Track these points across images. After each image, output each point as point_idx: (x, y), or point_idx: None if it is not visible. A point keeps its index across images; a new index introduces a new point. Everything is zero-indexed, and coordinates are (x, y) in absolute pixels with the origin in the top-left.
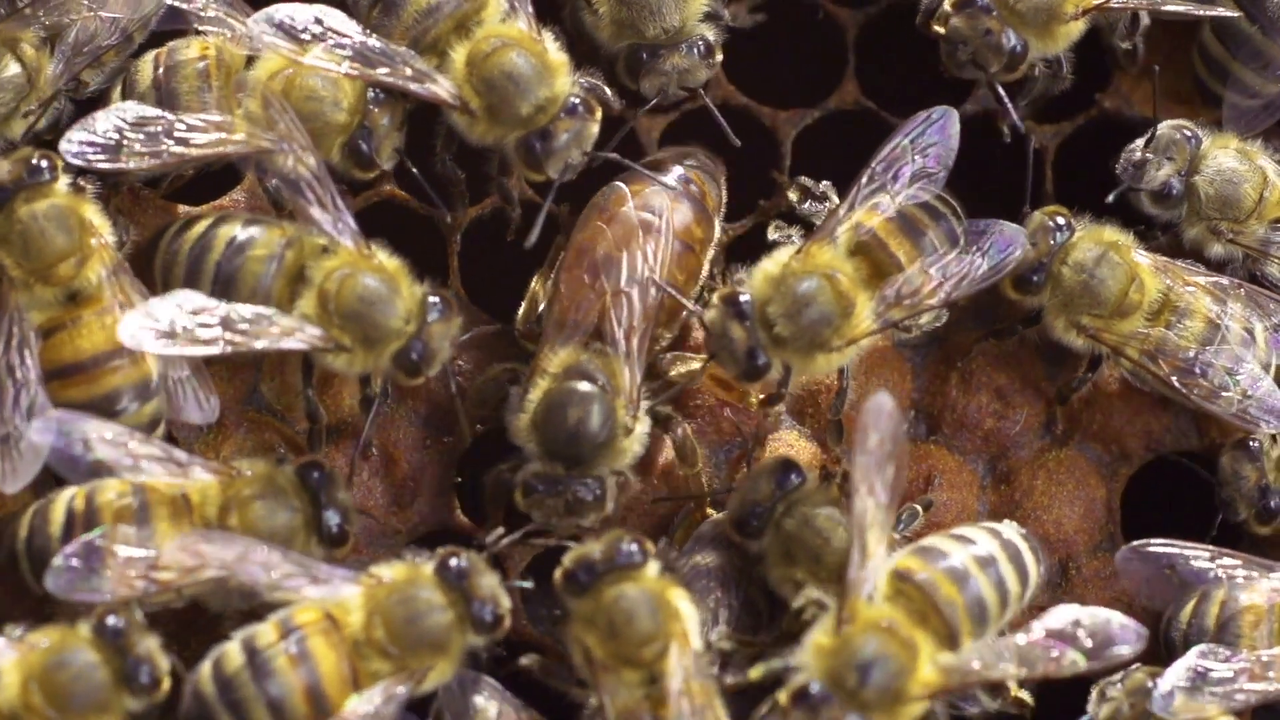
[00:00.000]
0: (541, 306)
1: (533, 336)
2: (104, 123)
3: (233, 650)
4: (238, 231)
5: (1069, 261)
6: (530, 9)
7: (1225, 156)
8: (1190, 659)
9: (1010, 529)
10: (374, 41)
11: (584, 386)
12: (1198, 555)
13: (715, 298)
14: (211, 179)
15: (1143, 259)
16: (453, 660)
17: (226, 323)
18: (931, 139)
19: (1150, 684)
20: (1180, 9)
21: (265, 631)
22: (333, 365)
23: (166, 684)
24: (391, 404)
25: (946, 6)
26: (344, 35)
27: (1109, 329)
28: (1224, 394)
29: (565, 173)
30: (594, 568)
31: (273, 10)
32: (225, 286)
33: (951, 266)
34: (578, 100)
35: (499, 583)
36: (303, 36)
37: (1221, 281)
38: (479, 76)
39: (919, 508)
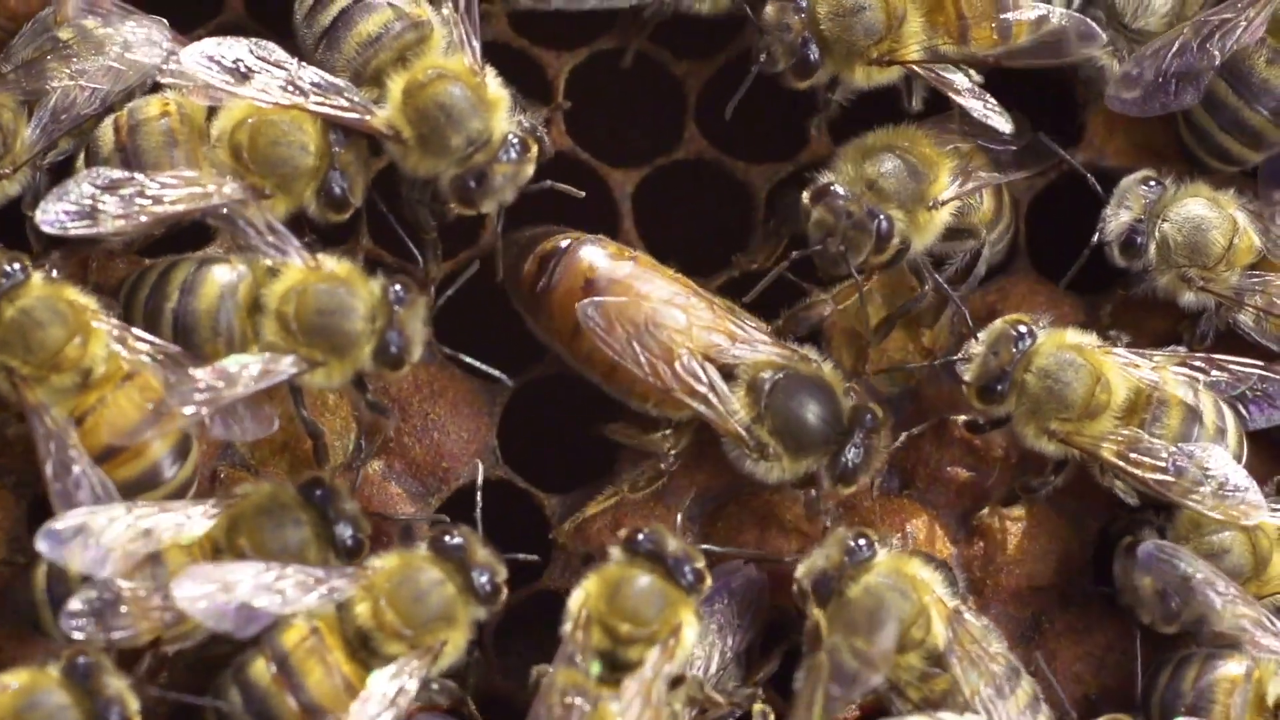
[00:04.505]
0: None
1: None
2: (77, 190)
3: (226, 680)
4: (190, 272)
5: (1032, 369)
6: (475, 44)
7: (1194, 204)
8: None
9: None
10: (308, 71)
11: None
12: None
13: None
14: (183, 237)
15: (1110, 357)
16: (463, 631)
17: (203, 386)
18: None
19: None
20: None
21: (255, 658)
22: (313, 383)
23: None
24: (366, 458)
25: (804, 201)
26: (278, 65)
27: (1079, 431)
28: (1201, 489)
29: (500, 209)
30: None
31: (204, 45)
32: (184, 330)
33: None
34: (516, 140)
35: (494, 553)
36: (237, 69)
37: (1194, 362)
38: (413, 106)
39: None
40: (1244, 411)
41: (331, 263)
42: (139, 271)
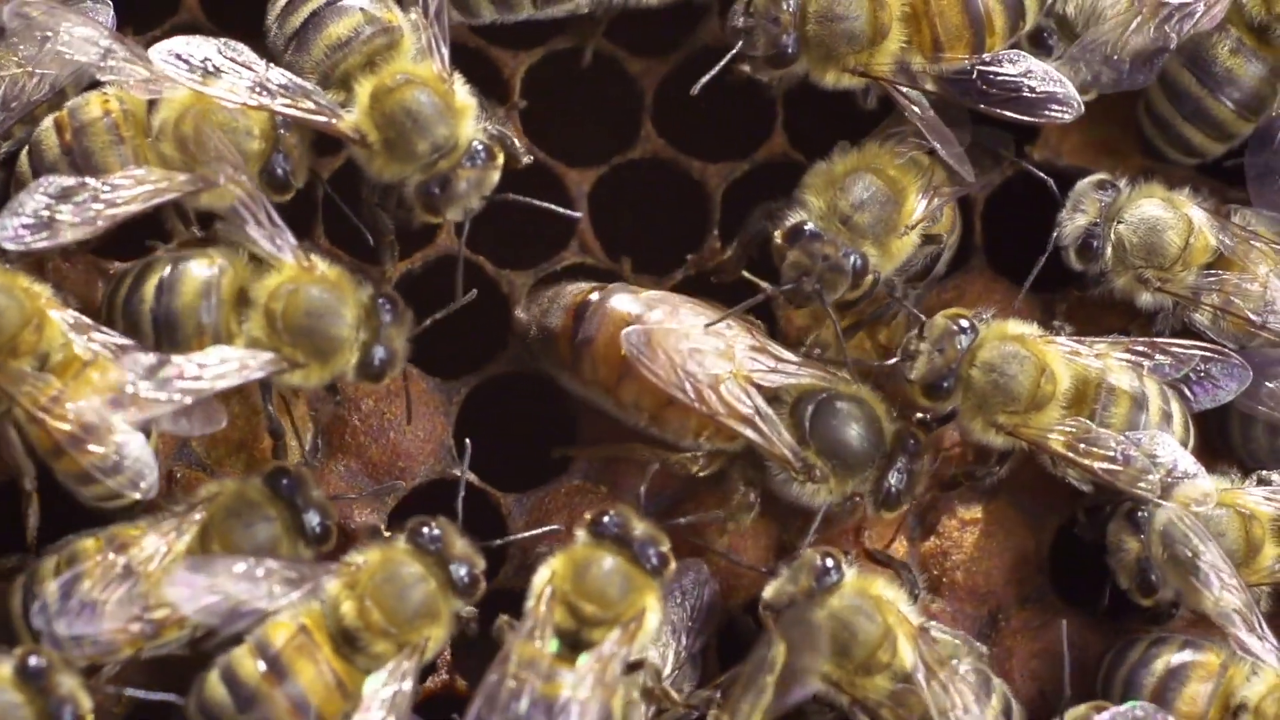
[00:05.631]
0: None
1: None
2: (31, 202)
3: (213, 678)
4: (166, 272)
5: (977, 363)
6: (445, 50)
7: (1149, 205)
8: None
9: None
10: (275, 73)
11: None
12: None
13: None
14: (138, 233)
15: (1052, 347)
16: (445, 626)
17: (183, 375)
18: None
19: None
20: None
21: (242, 655)
22: (289, 382)
23: None
24: (321, 458)
25: (778, 241)
26: (245, 66)
27: (1026, 424)
28: (1147, 477)
29: (466, 217)
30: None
31: (173, 43)
32: (168, 330)
33: None
34: (481, 148)
35: (471, 544)
36: (205, 68)
37: (1136, 347)
38: (380, 111)
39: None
40: (1189, 393)
41: (324, 265)
42: (116, 276)
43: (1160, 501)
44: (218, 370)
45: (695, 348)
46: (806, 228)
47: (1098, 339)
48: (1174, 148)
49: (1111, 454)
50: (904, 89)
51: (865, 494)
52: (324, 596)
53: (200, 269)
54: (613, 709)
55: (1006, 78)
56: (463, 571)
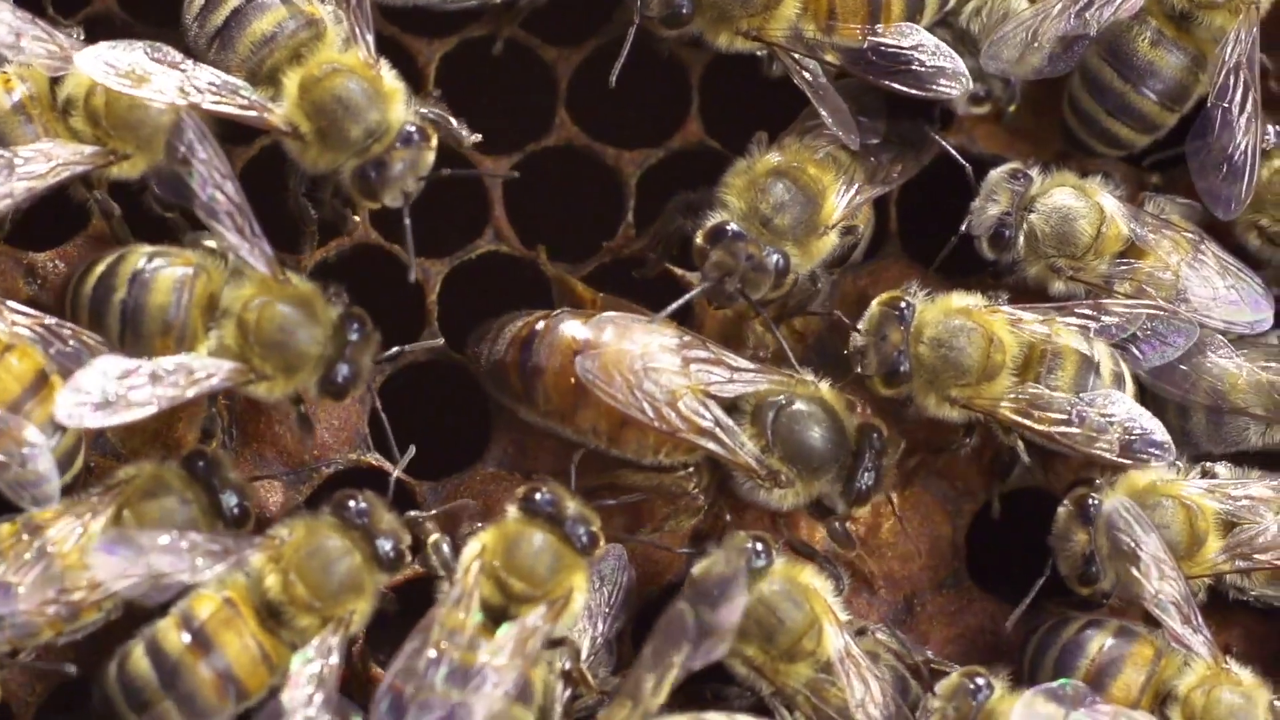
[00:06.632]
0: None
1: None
2: None
3: (137, 652)
4: (141, 265)
5: (924, 340)
6: (370, 38)
7: (1061, 194)
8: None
9: None
10: (204, 71)
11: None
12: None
13: None
14: (54, 225)
15: (997, 316)
16: (370, 600)
17: (155, 379)
18: None
19: (970, 684)
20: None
21: (166, 628)
22: (254, 393)
23: None
24: (236, 446)
25: (699, 241)
26: (174, 66)
27: (979, 395)
28: (1104, 437)
29: (406, 201)
30: None
31: (101, 49)
32: (133, 323)
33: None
34: (413, 128)
35: (397, 519)
36: (133, 71)
37: (1081, 309)
38: (310, 101)
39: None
40: (1137, 352)
41: (297, 280)
42: (85, 264)
43: (1115, 463)
44: (192, 376)
45: (649, 366)
46: (729, 228)
47: (1043, 304)
48: (1099, 141)
49: (1065, 416)
50: (798, 56)
51: (834, 493)
52: (249, 569)
53: (176, 268)
54: (532, 682)
55: (897, 50)
56: (388, 546)
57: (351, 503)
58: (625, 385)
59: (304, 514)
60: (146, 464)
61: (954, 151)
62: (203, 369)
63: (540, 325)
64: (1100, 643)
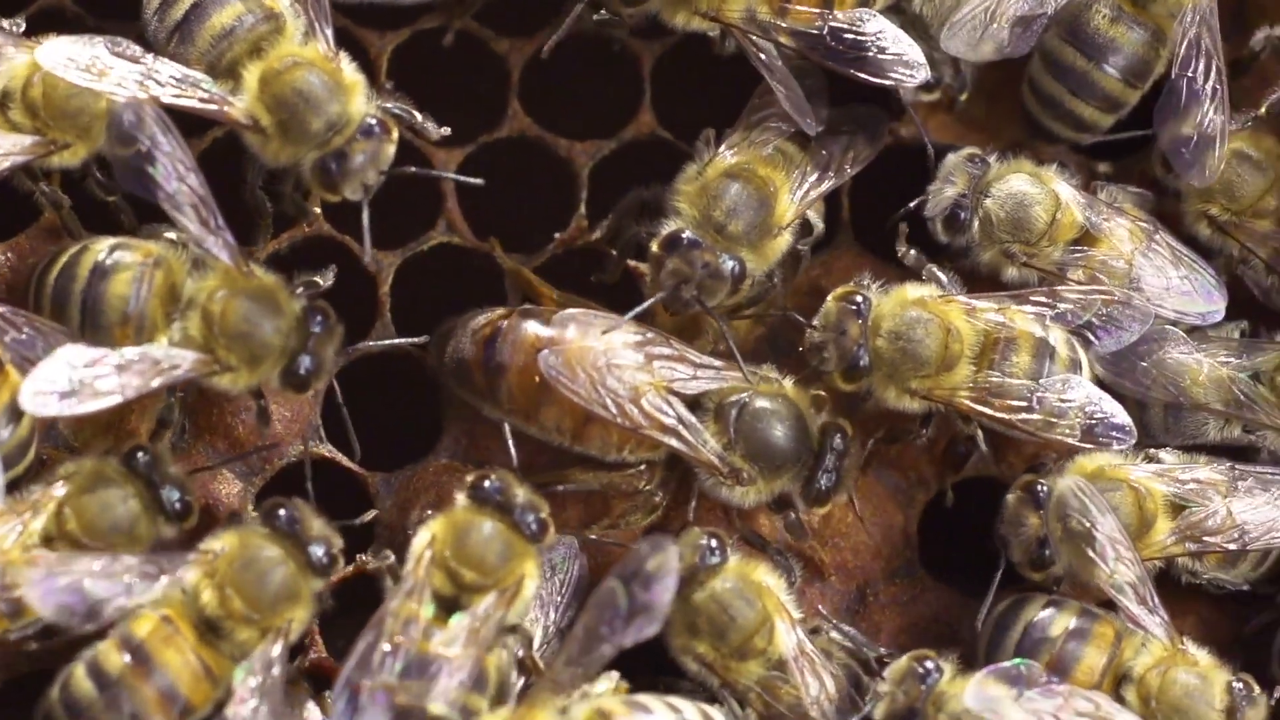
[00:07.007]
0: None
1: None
2: None
3: (79, 674)
4: (102, 256)
5: (883, 333)
6: (329, 32)
7: (1017, 180)
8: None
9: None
10: (164, 65)
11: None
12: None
13: None
14: (6, 218)
15: (953, 305)
16: (307, 606)
17: (121, 369)
18: None
19: (919, 668)
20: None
21: (106, 650)
22: (218, 384)
23: None
24: (189, 439)
25: (655, 250)
26: (134, 60)
27: (939, 385)
28: (1061, 421)
29: (366, 194)
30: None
31: (63, 43)
32: (93, 314)
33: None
34: (374, 121)
35: (327, 524)
36: (93, 65)
37: (1036, 297)
38: (270, 94)
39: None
40: (1093, 338)
41: (260, 271)
42: (49, 254)
43: (1077, 448)
44: (157, 366)
45: (613, 363)
46: (684, 236)
47: (996, 293)
48: (1064, 125)
49: (1025, 403)
50: (755, 38)
51: (795, 492)
52: (185, 586)
53: (135, 259)
54: (487, 671)
55: (856, 37)
56: (320, 552)
57: (281, 511)
58: (589, 382)
59: (235, 526)
60: (87, 460)
61: (923, 129)
62: (168, 359)
63: (504, 323)
64: (1064, 624)
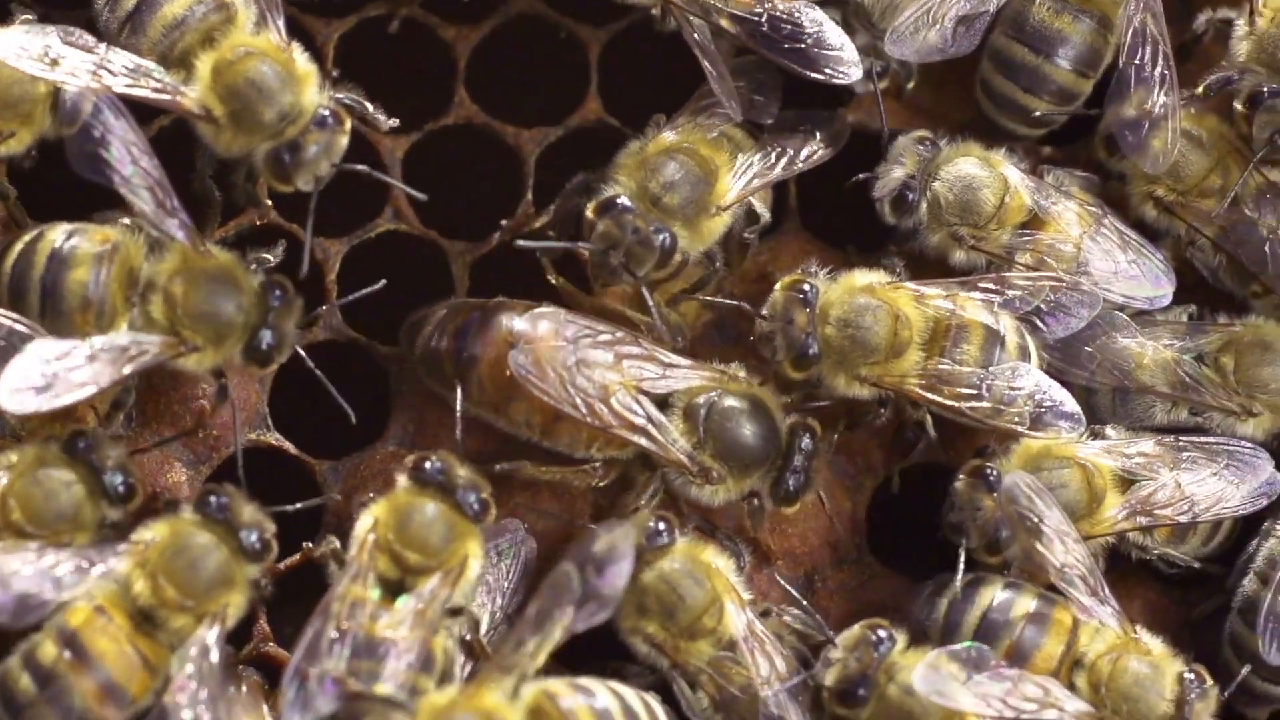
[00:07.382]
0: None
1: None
2: None
3: (15, 667)
4: (59, 243)
5: (831, 320)
6: (281, 22)
7: (965, 163)
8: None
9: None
10: (117, 55)
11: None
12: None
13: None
14: None
15: (901, 292)
16: (242, 591)
17: (91, 359)
18: None
19: (873, 636)
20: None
21: (41, 642)
22: (183, 365)
23: None
24: (135, 427)
25: (589, 215)
26: (86, 50)
27: (888, 372)
28: (1010, 409)
29: (317, 186)
30: None
31: (14, 33)
32: (53, 300)
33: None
34: (327, 112)
35: (259, 509)
36: (46, 55)
37: (984, 284)
38: (223, 84)
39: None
40: (1041, 324)
41: (216, 250)
42: (5, 241)
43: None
44: (128, 352)
45: (582, 361)
46: (619, 201)
47: (944, 280)
48: (1019, 122)
49: (974, 390)
50: (692, 18)
51: (764, 491)
52: (117, 577)
53: (93, 244)
54: (434, 653)
55: (795, 29)
56: (253, 537)
57: (212, 498)
58: (558, 380)
59: (166, 515)
60: (29, 448)
61: (882, 112)
62: (136, 345)
63: (476, 315)
64: (1024, 607)
